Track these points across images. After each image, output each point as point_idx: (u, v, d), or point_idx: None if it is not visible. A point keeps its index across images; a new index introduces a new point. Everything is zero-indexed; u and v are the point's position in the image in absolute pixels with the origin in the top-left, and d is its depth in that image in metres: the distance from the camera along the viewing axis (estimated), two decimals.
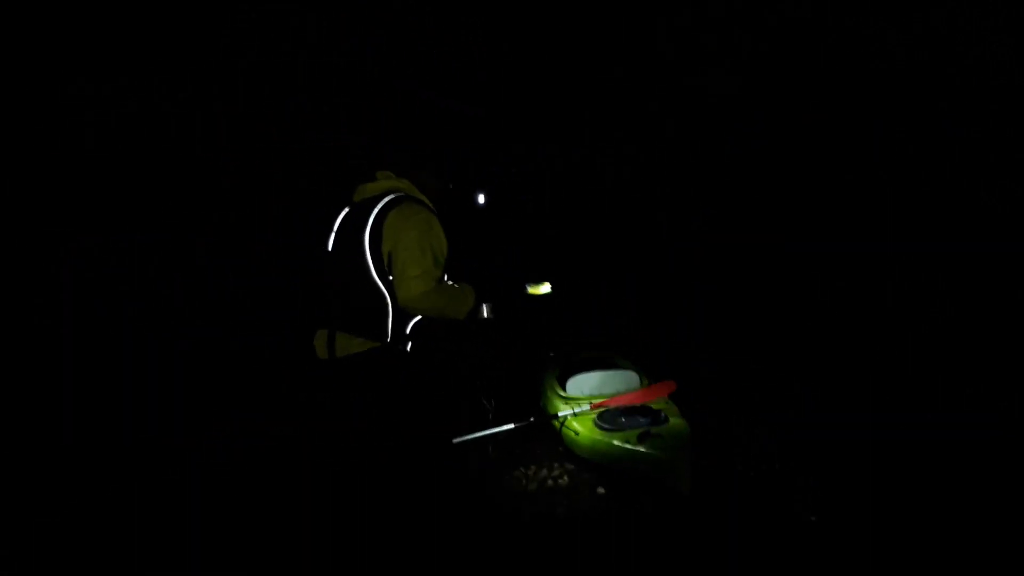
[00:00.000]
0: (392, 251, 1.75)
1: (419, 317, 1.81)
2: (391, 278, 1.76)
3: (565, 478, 2.32)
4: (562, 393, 2.62)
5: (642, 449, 2.09)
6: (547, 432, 2.57)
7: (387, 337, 1.77)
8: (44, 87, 3.49)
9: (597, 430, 2.29)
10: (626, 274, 4.39)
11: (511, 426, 2.36)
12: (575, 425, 2.39)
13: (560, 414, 2.46)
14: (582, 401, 2.49)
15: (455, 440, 2.14)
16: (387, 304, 1.76)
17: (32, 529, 1.85)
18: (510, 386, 2.78)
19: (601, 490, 2.20)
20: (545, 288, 2.55)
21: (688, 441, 2.10)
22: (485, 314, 2.08)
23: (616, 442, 2.17)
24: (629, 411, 2.32)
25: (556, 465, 2.43)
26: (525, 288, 2.55)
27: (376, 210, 1.79)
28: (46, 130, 3.49)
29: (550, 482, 2.30)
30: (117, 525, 1.87)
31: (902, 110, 3.97)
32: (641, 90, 4.55)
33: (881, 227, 3.90)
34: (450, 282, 1.93)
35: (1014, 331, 3.06)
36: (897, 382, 2.88)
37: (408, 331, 1.80)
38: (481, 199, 2.20)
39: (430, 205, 1.91)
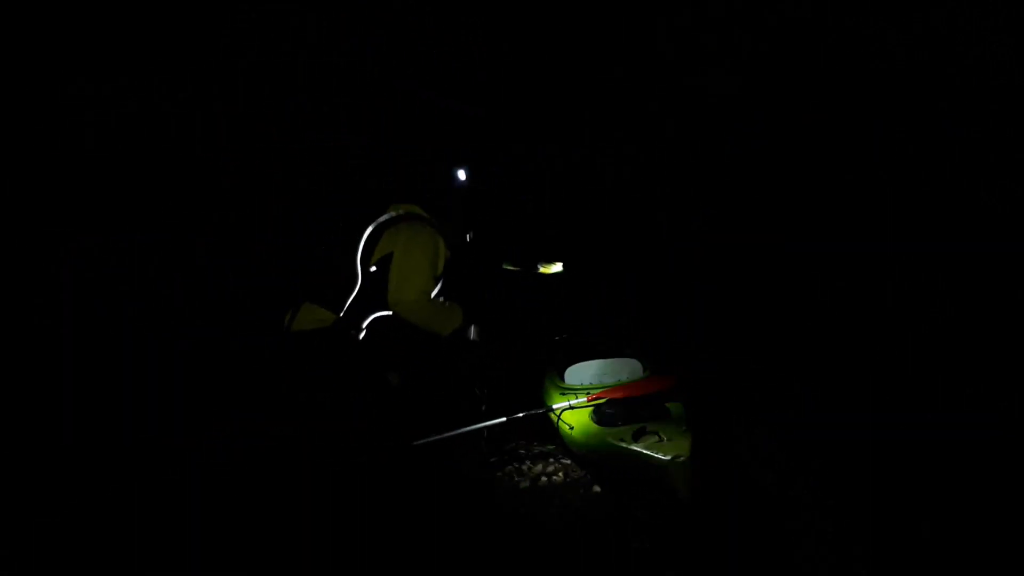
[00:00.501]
0: (394, 253, 1.90)
1: (375, 315, 1.92)
2: (373, 268, 1.91)
3: (560, 475, 2.27)
4: (560, 383, 2.52)
5: (636, 448, 1.95)
6: (544, 426, 2.50)
7: (341, 312, 1.92)
8: (44, 87, 3.49)
9: (592, 424, 2.18)
10: (626, 274, 4.39)
11: (503, 420, 2.31)
12: (570, 418, 2.29)
13: (556, 406, 2.35)
14: (579, 392, 2.39)
15: (416, 442, 2.12)
16: (355, 284, 1.91)
17: (32, 529, 1.85)
18: (506, 378, 2.73)
19: (597, 489, 2.14)
20: (557, 267, 2.51)
21: (688, 442, 1.94)
22: (472, 336, 2.13)
23: (610, 439, 2.06)
24: (630, 404, 2.19)
25: (551, 461, 2.37)
26: (537, 267, 2.52)
27: (387, 216, 1.98)
28: (46, 130, 3.49)
29: (544, 479, 2.25)
30: (117, 525, 1.87)
31: (902, 110, 3.97)
32: (641, 90, 4.55)
33: (881, 227, 3.90)
34: (442, 299, 2.05)
35: (1014, 331, 3.06)
36: (897, 382, 2.87)
37: (363, 322, 1.93)
38: (462, 175, 2.15)
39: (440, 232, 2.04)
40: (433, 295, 1.98)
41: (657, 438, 2.00)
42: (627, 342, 2.81)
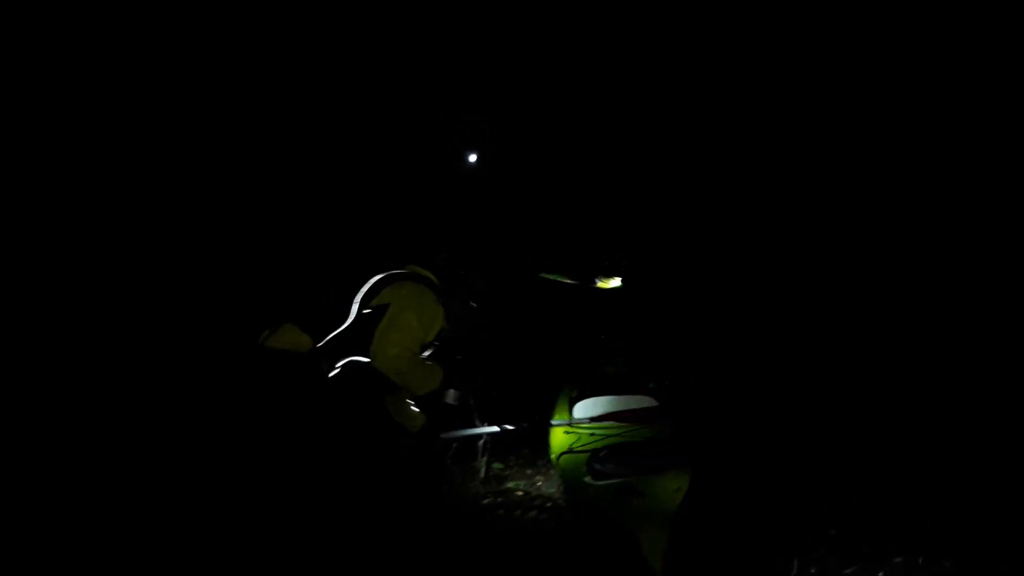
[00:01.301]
0: (390, 305, 1.88)
1: (352, 359, 1.88)
2: (367, 311, 1.88)
3: (552, 525, 2.11)
4: (566, 418, 2.27)
5: (614, 509, 1.78)
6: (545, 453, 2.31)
7: (319, 342, 1.88)
8: (44, 87, 3.49)
9: (583, 472, 1.95)
10: (626, 278, 4.37)
11: (496, 429, 2.18)
12: (566, 463, 2.06)
13: (553, 450, 2.15)
14: (583, 433, 2.15)
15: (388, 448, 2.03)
16: (345, 320, 1.89)
17: (32, 529, 1.85)
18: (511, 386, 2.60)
19: (590, 544, 1.91)
20: (615, 282, 2.40)
21: (674, 510, 1.71)
22: (450, 400, 2.07)
23: (591, 492, 1.86)
24: (626, 454, 1.95)
25: (548, 507, 2.22)
26: (595, 282, 2.40)
27: (400, 271, 1.98)
28: (46, 130, 3.49)
29: (534, 526, 2.10)
30: (117, 525, 1.87)
31: (902, 110, 3.97)
32: (640, 90, 4.55)
33: (881, 227, 3.90)
34: (424, 357, 2.00)
35: (1014, 331, 3.06)
36: (896, 382, 2.87)
37: (338, 360, 1.88)
38: (472, 159, 2.07)
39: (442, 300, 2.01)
40: (415, 355, 1.93)
41: (641, 502, 1.79)
42: (650, 372, 2.54)
